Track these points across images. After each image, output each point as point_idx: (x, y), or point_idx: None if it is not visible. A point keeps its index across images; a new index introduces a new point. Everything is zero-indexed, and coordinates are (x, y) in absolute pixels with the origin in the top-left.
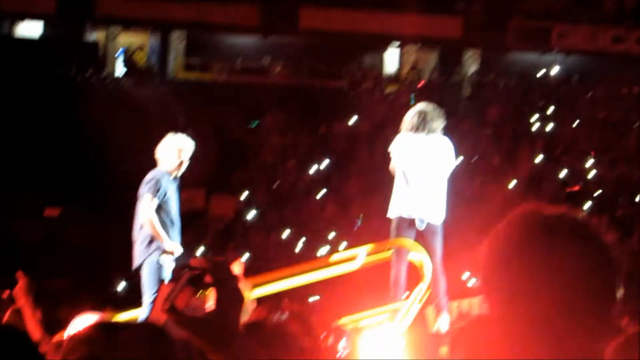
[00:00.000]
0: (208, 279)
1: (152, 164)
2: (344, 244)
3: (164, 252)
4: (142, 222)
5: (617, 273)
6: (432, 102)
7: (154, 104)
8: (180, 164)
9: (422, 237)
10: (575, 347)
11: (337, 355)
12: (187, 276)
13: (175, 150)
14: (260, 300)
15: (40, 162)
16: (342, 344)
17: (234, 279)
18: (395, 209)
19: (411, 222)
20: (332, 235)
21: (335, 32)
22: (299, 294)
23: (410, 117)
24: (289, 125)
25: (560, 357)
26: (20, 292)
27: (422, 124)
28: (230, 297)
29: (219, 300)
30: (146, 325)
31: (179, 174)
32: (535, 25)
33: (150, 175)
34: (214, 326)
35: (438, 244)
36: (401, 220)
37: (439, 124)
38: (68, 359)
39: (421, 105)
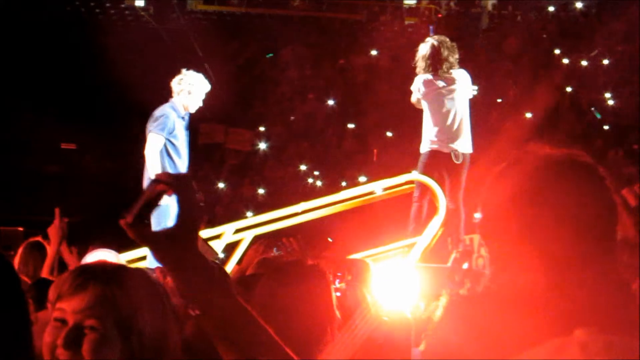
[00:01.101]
0: (169, 192)
1: (168, 96)
2: (362, 178)
3: None
4: (146, 160)
5: (622, 216)
6: (447, 36)
7: (173, 37)
8: (192, 99)
9: (451, 170)
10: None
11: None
12: (151, 188)
13: (188, 87)
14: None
15: (56, 95)
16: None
17: (195, 192)
18: (427, 144)
19: (444, 156)
20: (349, 170)
21: None
22: (315, 229)
23: (426, 56)
24: (306, 58)
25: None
26: (55, 230)
27: (439, 61)
28: (191, 211)
29: (179, 214)
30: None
31: (191, 110)
32: None
33: (158, 112)
34: (171, 239)
35: (464, 176)
36: (434, 153)
37: (455, 57)
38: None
39: (434, 42)
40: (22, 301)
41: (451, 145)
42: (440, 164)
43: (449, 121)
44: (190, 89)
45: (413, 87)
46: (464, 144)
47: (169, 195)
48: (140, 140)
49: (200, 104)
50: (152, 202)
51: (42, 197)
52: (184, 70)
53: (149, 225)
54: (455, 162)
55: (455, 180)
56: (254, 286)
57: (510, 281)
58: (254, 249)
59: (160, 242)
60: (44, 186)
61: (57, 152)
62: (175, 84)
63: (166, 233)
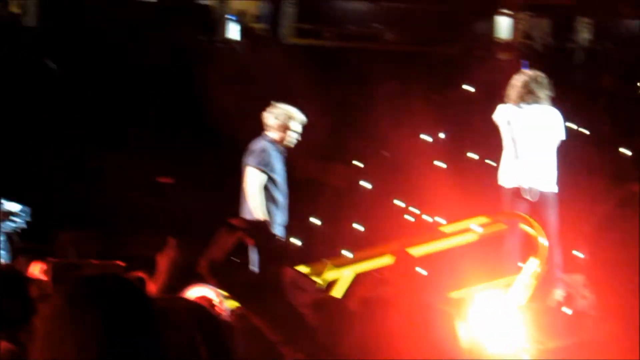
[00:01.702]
0: (248, 240)
1: (260, 129)
2: (458, 215)
3: (276, 223)
4: (246, 195)
5: None
6: (541, 70)
7: (266, 70)
8: (290, 134)
9: (536, 208)
10: None
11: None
12: (222, 233)
13: (284, 121)
14: (372, 273)
15: (151, 125)
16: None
17: (273, 238)
18: (506, 179)
19: (523, 192)
20: (445, 206)
21: None
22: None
23: (515, 87)
24: (401, 93)
25: None
26: (164, 257)
27: (527, 94)
28: (269, 256)
29: (260, 262)
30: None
31: (288, 144)
32: None
33: (257, 146)
34: (253, 285)
35: (551, 215)
36: (513, 190)
37: (545, 93)
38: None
39: (526, 75)
40: (155, 328)
41: (527, 181)
42: (522, 199)
43: (526, 156)
44: (285, 123)
45: (494, 116)
46: (541, 182)
47: (248, 243)
48: (235, 174)
49: (297, 137)
50: (232, 251)
51: (141, 230)
52: (277, 104)
53: (230, 271)
54: (531, 199)
55: (540, 218)
56: (356, 325)
57: (619, 331)
58: (357, 285)
59: (242, 290)
60: (141, 220)
61: (154, 186)
62: (269, 118)
63: (248, 280)
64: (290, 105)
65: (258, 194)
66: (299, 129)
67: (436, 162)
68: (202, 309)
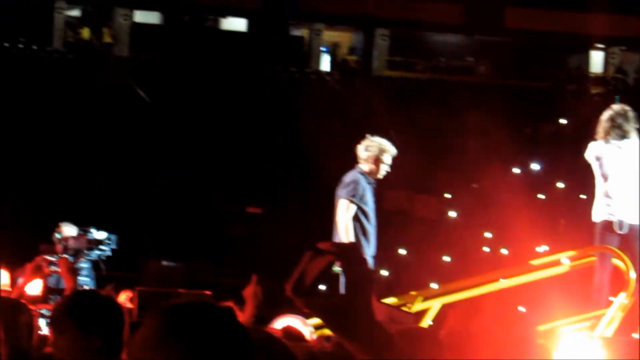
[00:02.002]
0: (337, 263)
1: (353, 162)
2: (547, 248)
3: (366, 254)
4: (338, 226)
5: None
6: (631, 105)
7: (358, 102)
8: (381, 167)
9: (627, 242)
10: None
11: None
12: (308, 256)
13: (376, 153)
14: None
15: (240, 155)
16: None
17: (363, 261)
18: (598, 213)
19: (614, 226)
20: (535, 239)
21: (540, 31)
22: (498, 298)
23: (602, 123)
24: (492, 126)
25: None
26: (251, 294)
27: (614, 129)
28: (359, 280)
29: (346, 285)
30: None
31: (379, 176)
32: None
33: (349, 178)
34: (342, 308)
35: (637, 248)
36: (603, 224)
37: (632, 127)
38: None
39: (613, 110)
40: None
41: (617, 214)
42: (613, 233)
43: (616, 190)
44: (377, 155)
45: (586, 154)
46: (631, 215)
47: (338, 265)
48: (324, 206)
49: (388, 169)
50: (322, 274)
51: (227, 260)
52: (369, 136)
53: (318, 295)
54: (619, 231)
55: (630, 251)
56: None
57: None
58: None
59: (330, 313)
60: (228, 249)
61: (242, 215)
62: (362, 150)
63: (336, 303)
64: (383, 138)
65: (349, 224)
66: (390, 161)
67: (526, 195)
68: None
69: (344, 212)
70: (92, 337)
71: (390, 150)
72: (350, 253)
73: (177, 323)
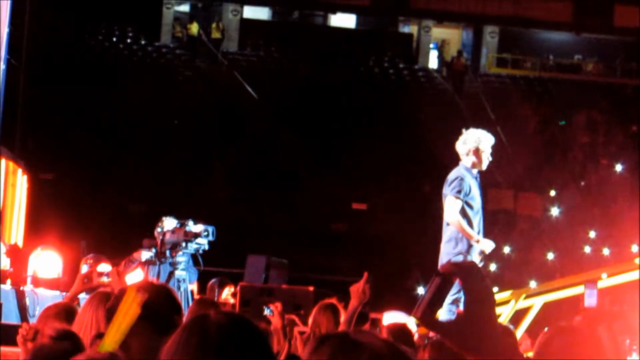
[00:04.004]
0: (459, 282)
1: (458, 158)
2: None
3: (474, 251)
4: (449, 223)
5: None
6: None
7: (466, 98)
8: (482, 156)
9: None
10: None
11: None
12: (437, 282)
13: (475, 144)
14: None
15: (347, 155)
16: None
17: (483, 280)
18: None
19: None
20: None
21: None
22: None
23: None
24: (599, 123)
25: None
26: (357, 290)
27: None
28: (479, 299)
29: (467, 303)
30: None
31: (483, 167)
32: None
33: (453, 175)
34: (464, 328)
35: None
36: None
37: None
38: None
39: None
40: None
41: None
42: None
43: None
44: (476, 146)
45: None
46: None
47: (460, 284)
48: (431, 201)
49: (490, 158)
50: (441, 294)
51: (331, 256)
52: (464, 131)
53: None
54: None
55: None
56: None
57: None
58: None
59: (453, 331)
60: (332, 245)
61: (347, 211)
62: (460, 145)
63: (457, 322)
64: (476, 128)
65: (460, 219)
66: (490, 149)
67: (632, 194)
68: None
69: (452, 209)
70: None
71: (488, 139)
72: (469, 271)
73: (206, 339)
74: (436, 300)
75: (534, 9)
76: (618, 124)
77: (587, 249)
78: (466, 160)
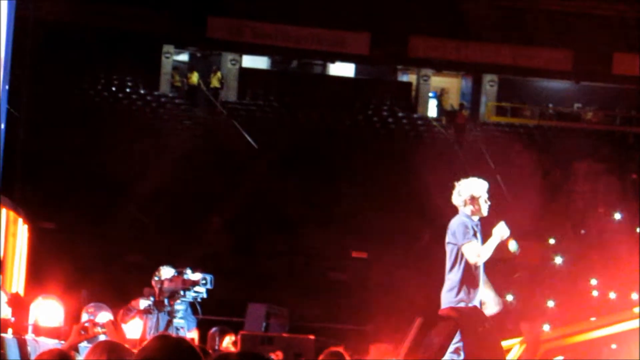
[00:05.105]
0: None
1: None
2: None
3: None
4: (477, 263)
5: None
6: None
7: (466, 147)
8: (480, 203)
9: None
10: None
11: None
12: (418, 324)
13: (470, 193)
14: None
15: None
16: None
17: (481, 324)
18: None
19: None
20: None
21: None
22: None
23: None
24: (599, 172)
25: None
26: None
27: None
28: (477, 342)
29: (467, 345)
30: None
31: (483, 214)
32: None
33: (455, 222)
34: None
35: None
36: None
37: None
38: None
39: None
40: None
41: None
42: None
43: None
44: (471, 194)
45: None
46: None
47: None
48: (431, 250)
49: (488, 203)
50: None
51: (331, 304)
52: (456, 184)
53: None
54: None
55: None
56: None
57: None
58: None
59: None
60: (332, 294)
61: (347, 260)
62: (455, 197)
63: None
64: (466, 178)
65: (484, 252)
66: (486, 194)
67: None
68: None
69: (473, 253)
70: None
71: (480, 184)
72: (470, 317)
73: None
74: (419, 343)
75: (533, 57)
76: (618, 171)
77: (588, 297)
78: (465, 209)
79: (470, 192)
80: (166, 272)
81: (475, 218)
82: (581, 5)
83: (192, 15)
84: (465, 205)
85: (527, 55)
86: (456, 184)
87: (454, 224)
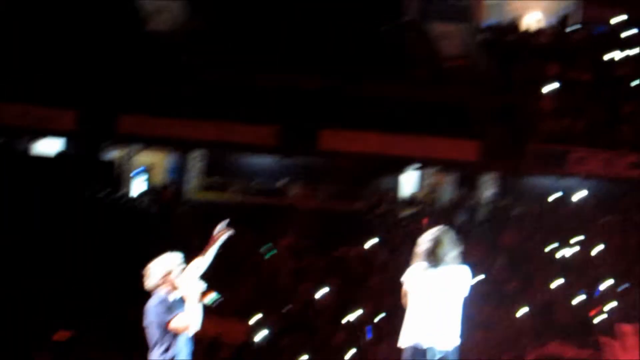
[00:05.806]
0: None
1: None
2: None
3: None
4: None
5: None
6: (447, 226)
7: (170, 224)
8: (170, 281)
9: None
10: None
11: None
12: None
13: (166, 271)
14: None
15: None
16: None
17: None
18: (407, 338)
19: (423, 352)
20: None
21: (353, 153)
22: None
23: (423, 245)
24: (304, 248)
25: None
26: None
27: (434, 252)
28: None
29: None
30: None
31: (180, 292)
32: (552, 149)
33: (154, 301)
34: None
35: None
36: (412, 350)
37: (453, 251)
38: None
39: (434, 232)
40: None
41: (428, 341)
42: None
43: (431, 316)
44: (167, 271)
45: (404, 277)
46: (441, 340)
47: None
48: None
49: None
50: None
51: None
52: (163, 255)
53: None
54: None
55: None
56: None
57: None
58: None
59: None
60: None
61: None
62: (153, 267)
63: None
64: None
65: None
66: (177, 274)
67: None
68: None
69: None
70: None
71: (176, 264)
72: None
73: None
74: None
75: (237, 132)
76: (323, 248)
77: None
78: (163, 288)
79: (165, 269)
80: None
81: (172, 294)
82: (286, 79)
83: None
84: (164, 283)
85: (232, 130)
86: (163, 255)
87: (152, 302)
